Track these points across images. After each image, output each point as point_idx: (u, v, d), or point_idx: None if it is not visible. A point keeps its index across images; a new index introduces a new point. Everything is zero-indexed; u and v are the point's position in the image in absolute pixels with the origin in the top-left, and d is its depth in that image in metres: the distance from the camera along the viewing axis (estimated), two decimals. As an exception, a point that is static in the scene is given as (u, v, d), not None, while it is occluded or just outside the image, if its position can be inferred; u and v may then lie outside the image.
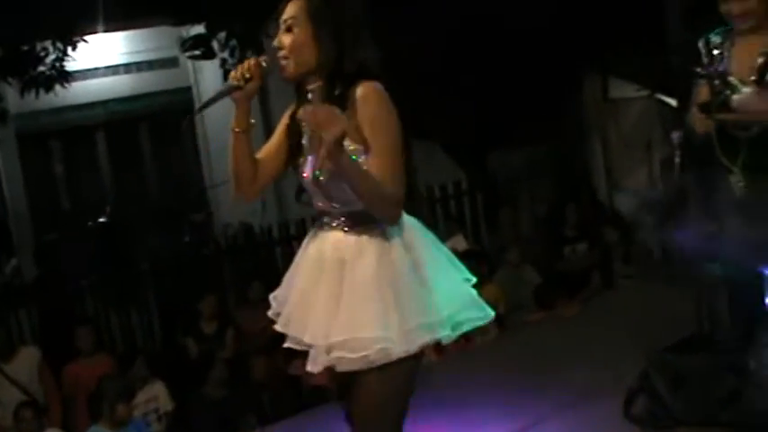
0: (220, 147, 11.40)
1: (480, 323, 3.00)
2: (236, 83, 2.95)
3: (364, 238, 2.91)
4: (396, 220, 2.89)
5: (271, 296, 3.19)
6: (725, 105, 3.47)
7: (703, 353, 4.71)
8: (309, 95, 2.98)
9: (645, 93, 9.95)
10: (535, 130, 10.13)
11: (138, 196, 12.17)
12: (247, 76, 2.94)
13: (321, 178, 2.90)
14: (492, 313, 3.03)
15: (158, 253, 10.17)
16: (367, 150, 2.83)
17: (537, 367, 5.74)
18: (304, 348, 2.94)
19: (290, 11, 2.95)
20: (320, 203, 3.01)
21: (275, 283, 3.21)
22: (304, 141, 3.02)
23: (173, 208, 11.69)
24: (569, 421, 4.79)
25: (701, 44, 3.74)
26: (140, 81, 12.11)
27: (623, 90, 10.38)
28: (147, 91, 12.13)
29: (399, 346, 2.81)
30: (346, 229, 2.95)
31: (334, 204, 2.96)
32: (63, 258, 10.55)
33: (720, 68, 3.62)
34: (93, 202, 11.90)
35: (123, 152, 12.30)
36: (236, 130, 2.99)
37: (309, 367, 2.90)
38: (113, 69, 11.97)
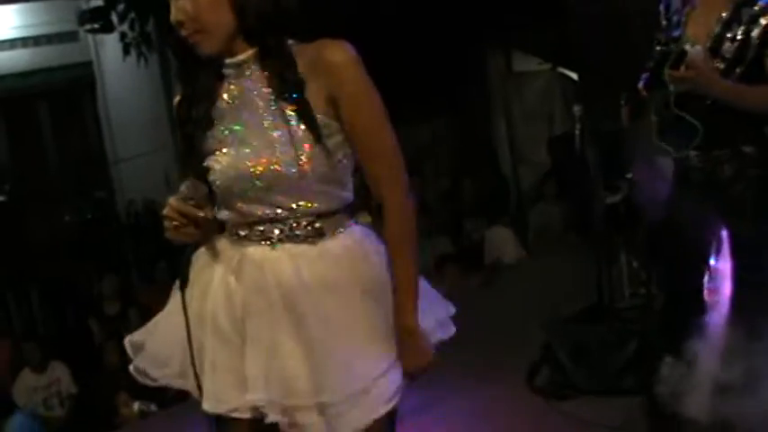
0: (122, 122, 11.38)
1: None
2: (184, 240, 2.20)
3: (332, 247, 2.21)
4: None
5: (130, 342, 2.39)
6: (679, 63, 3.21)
7: (603, 322, 4.80)
8: (239, 68, 2.20)
9: (547, 66, 10.05)
10: (440, 104, 10.15)
11: (38, 174, 11.89)
12: (183, 222, 2.16)
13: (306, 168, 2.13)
14: None
15: (60, 231, 9.97)
16: (343, 128, 2.17)
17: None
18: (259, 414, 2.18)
19: None
20: (259, 211, 2.20)
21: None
22: (223, 131, 2.21)
23: (75, 185, 11.48)
24: (473, 394, 4.80)
25: (661, 7, 3.49)
26: (38, 55, 11.81)
27: (526, 64, 10.47)
28: (45, 66, 11.83)
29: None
30: (309, 238, 2.20)
31: (298, 203, 2.18)
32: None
33: (675, 34, 3.40)
34: (-9, 180, 11.58)
35: (22, 128, 12.01)
36: None
37: None
38: (10, 43, 11.69)
